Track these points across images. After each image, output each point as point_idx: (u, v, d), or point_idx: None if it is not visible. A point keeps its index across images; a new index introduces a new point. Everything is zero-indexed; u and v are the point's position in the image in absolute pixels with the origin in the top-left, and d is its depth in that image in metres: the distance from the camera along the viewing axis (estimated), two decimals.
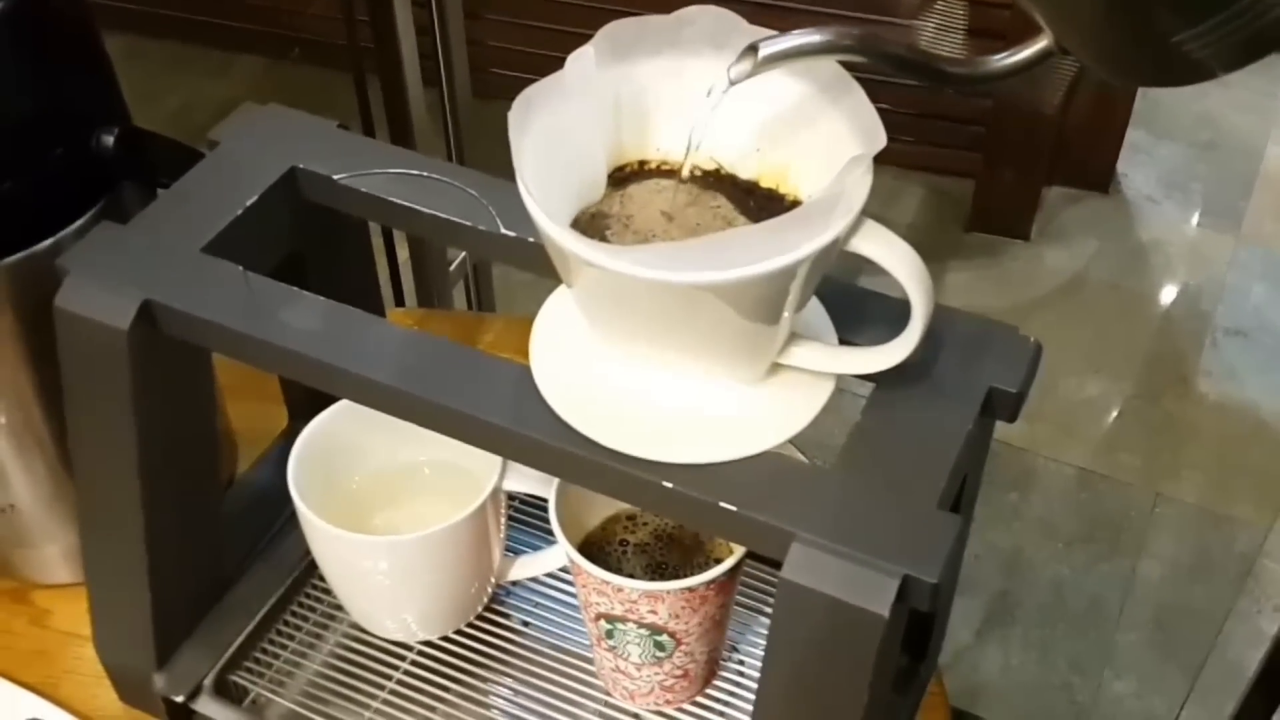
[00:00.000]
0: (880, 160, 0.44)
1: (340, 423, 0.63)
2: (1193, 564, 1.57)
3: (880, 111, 0.45)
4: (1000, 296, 1.88)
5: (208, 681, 0.62)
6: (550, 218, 0.43)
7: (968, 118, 1.95)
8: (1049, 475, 1.66)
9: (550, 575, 0.65)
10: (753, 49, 0.43)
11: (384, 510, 0.65)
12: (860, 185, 0.44)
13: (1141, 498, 1.63)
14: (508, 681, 0.63)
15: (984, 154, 1.96)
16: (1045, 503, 1.63)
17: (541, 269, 0.51)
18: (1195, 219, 2.00)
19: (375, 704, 0.62)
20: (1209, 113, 2.14)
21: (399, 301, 1.40)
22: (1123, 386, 1.76)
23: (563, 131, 0.46)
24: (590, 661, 0.63)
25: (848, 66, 0.46)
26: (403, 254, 1.38)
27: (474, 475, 0.61)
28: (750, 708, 0.61)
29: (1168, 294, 1.90)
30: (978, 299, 1.86)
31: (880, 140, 0.44)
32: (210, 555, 0.64)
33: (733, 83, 0.44)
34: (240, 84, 2.16)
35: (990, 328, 0.52)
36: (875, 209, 0.44)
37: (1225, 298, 1.88)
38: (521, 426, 0.49)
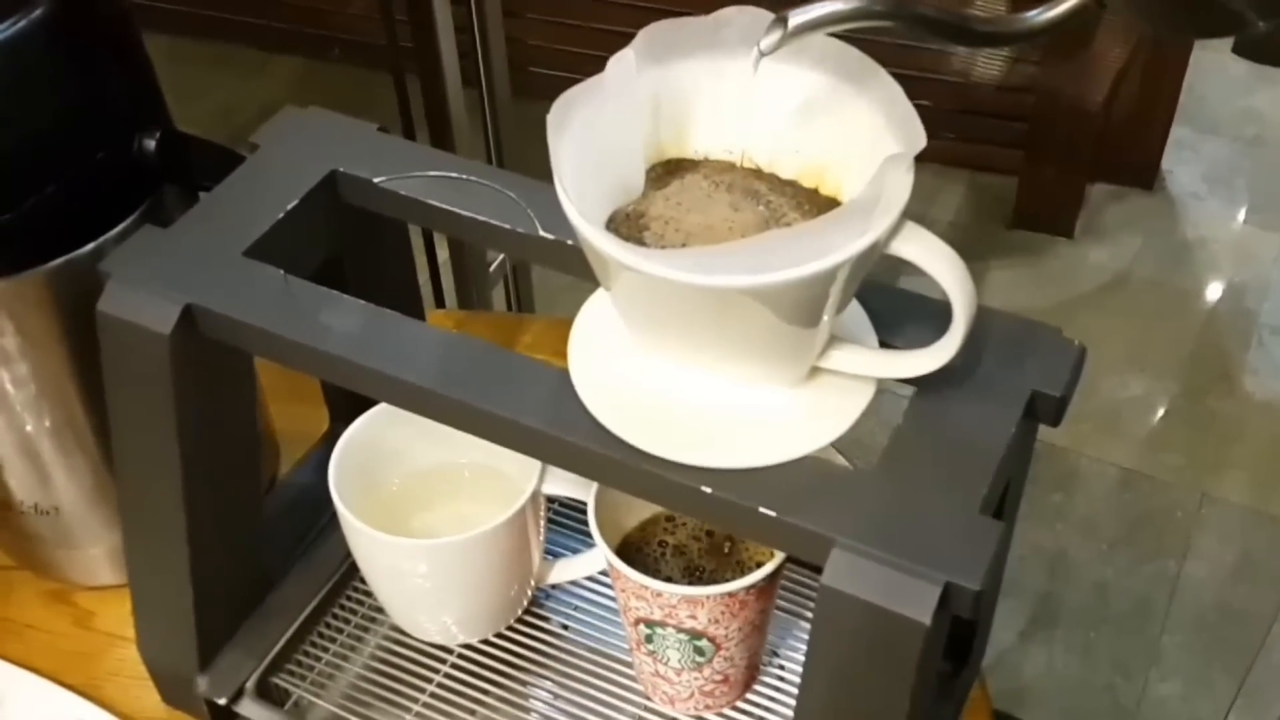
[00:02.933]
0: (921, 157, 0.43)
1: (380, 425, 0.63)
2: (1238, 564, 1.55)
3: (921, 108, 0.45)
4: (1043, 295, 1.86)
5: (250, 683, 0.63)
6: (588, 220, 0.43)
7: (1010, 114, 1.94)
8: (1092, 475, 1.64)
9: (590, 578, 0.65)
10: (782, 20, 0.42)
11: (424, 512, 0.65)
12: (900, 186, 0.43)
13: (1186, 498, 1.62)
14: (547, 685, 0.63)
15: (1026, 151, 1.94)
16: (1089, 503, 1.62)
17: (579, 271, 0.50)
18: (1241, 215, 1.98)
19: (416, 707, 0.62)
20: (1255, 108, 2.12)
21: (439, 302, 1.41)
22: (1167, 385, 1.74)
23: (601, 133, 0.46)
24: (630, 665, 0.63)
25: (887, 65, 0.46)
26: (442, 255, 1.38)
27: (513, 478, 0.61)
28: (791, 713, 0.60)
29: (1213, 292, 1.87)
30: (1020, 297, 1.85)
31: (920, 140, 0.44)
32: (252, 557, 0.65)
33: (763, 54, 0.43)
34: (281, 84, 2.18)
35: (1033, 330, 0.51)
36: (916, 206, 0.43)
37: (1271, 295, 1.85)
38: (559, 430, 0.48)
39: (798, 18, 0.42)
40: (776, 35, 0.42)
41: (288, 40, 2.20)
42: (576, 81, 0.45)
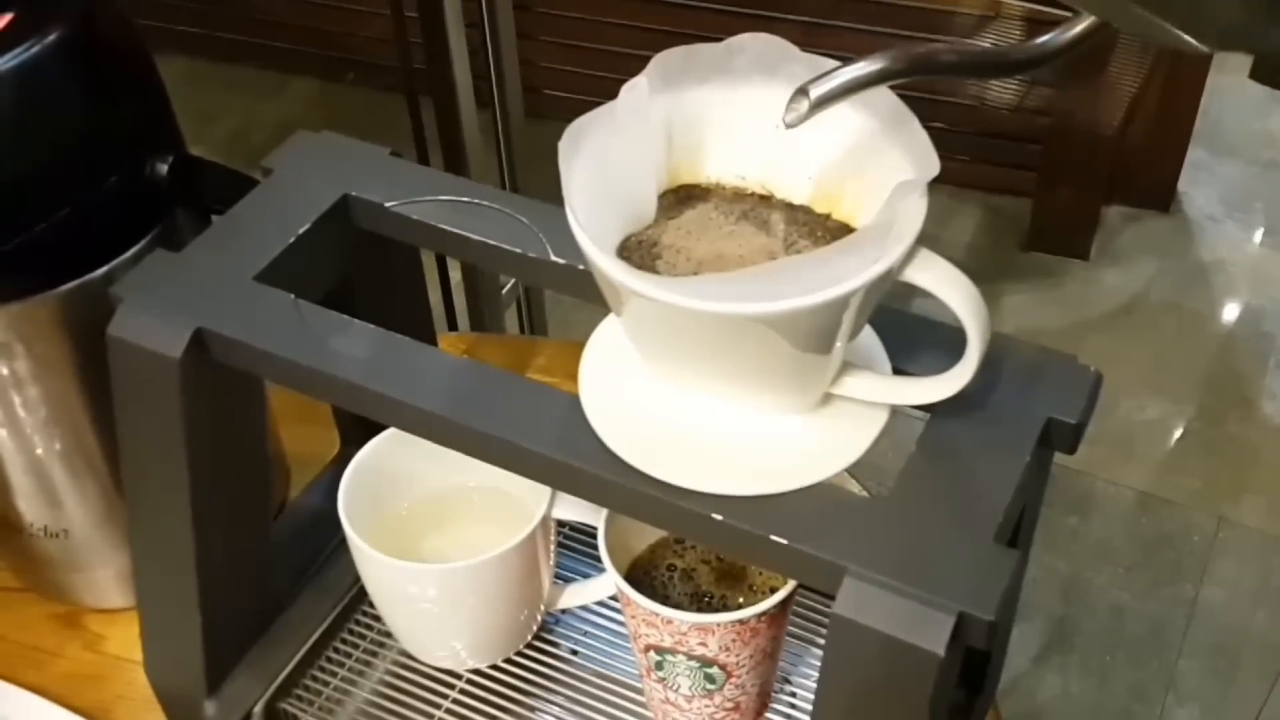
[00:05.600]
0: (936, 179, 0.43)
1: (390, 449, 0.62)
2: (1256, 589, 1.54)
3: (936, 130, 0.44)
4: (1058, 317, 1.85)
5: (258, 709, 0.62)
6: (599, 247, 0.43)
7: (1025, 136, 1.94)
8: (1109, 499, 1.63)
9: (600, 603, 0.65)
10: (803, 92, 0.42)
11: (433, 536, 0.64)
12: (914, 213, 0.43)
13: (1203, 522, 1.61)
14: (557, 711, 0.63)
15: (1041, 173, 1.94)
16: (1105, 526, 1.61)
17: (590, 296, 0.50)
18: (1258, 238, 1.97)
19: None
20: (1272, 131, 2.11)
21: (452, 325, 1.41)
22: (1184, 409, 1.73)
23: (613, 160, 0.46)
24: (640, 692, 0.62)
25: (901, 88, 0.45)
26: (455, 277, 1.38)
27: (523, 501, 0.60)
28: None
29: (1230, 314, 1.87)
30: (1035, 320, 1.84)
31: (934, 167, 0.43)
32: (261, 581, 0.64)
33: (789, 127, 0.43)
34: (296, 106, 2.19)
35: (1049, 357, 0.51)
36: (930, 229, 0.43)
37: None
38: (569, 457, 0.48)
39: (819, 88, 0.42)
40: (801, 109, 0.42)
41: (305, 63, 2.22)
42: (591, 103, 0.45)
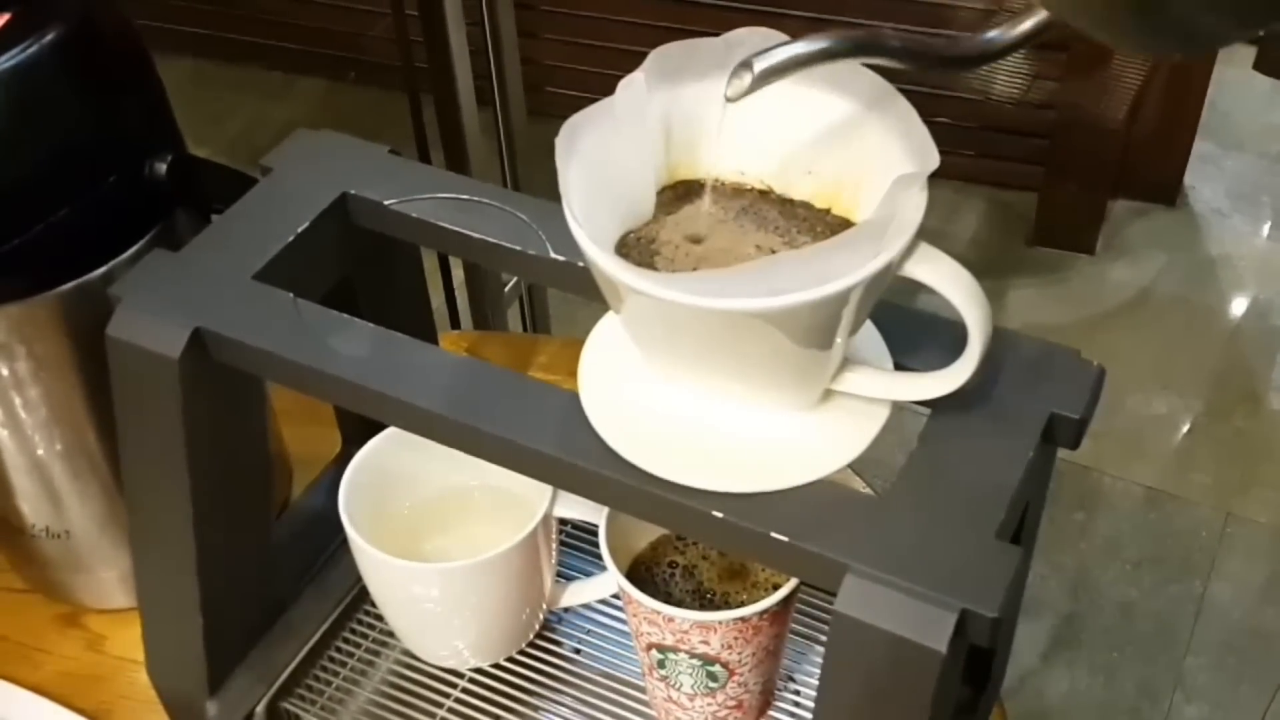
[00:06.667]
0: (942, 174, 0.43)
1: (391, 448, 0.62)
2: (1265, 585, 1.54)
3: (940, 125, 0.44)
4: (1065, 312, 1.85)
5: (260, 709, 0.62)
6: (597, 244, 0.42)
7: (1030, 130, 1.93)
8: (1116, 495, 1.63)
9: (602, 601, 0.65)
10: (746, 65, 0.42)
11: (435, 535, 0.64)
12: (913, 207, 0.43)
13: (1212, 517, 1.60)
14: (560, 710, 0.62)
15: (1047, 167, 1.93)
16: (1113, 523, 1.60)
17: (591, 293, 0.50)
18: (1265, 231, 1.96)
19: None
20: (1279, 124, 2.10)
21: (454, 323, 1.41)
22: (1191, 404, 1.73)
23: (611, 156, 0.45)
24: (643, 690, 0.62)
25: (904, 84, 0.45)
26: (458, 276, 1.38)
27: (525, 500, 0.60)
28: None
29: (1237, 308, 1.86)
30: (1041, 315, 1.83)
31: (933, 160, 0.43)
32: (262, 581, 0.64)
33: (730, 101, 0.43)
34: (301, 106, 2.18)
35: (1051, 351, 0.51)
36: (936, 224, 0.43)
37: None
38: (569, 455, 0.48)
39: (763, 63, 0.42)
40: (744, 82, 0.42)
41: (309, 63, 2.22)
42: (594, 101, 0.45)
